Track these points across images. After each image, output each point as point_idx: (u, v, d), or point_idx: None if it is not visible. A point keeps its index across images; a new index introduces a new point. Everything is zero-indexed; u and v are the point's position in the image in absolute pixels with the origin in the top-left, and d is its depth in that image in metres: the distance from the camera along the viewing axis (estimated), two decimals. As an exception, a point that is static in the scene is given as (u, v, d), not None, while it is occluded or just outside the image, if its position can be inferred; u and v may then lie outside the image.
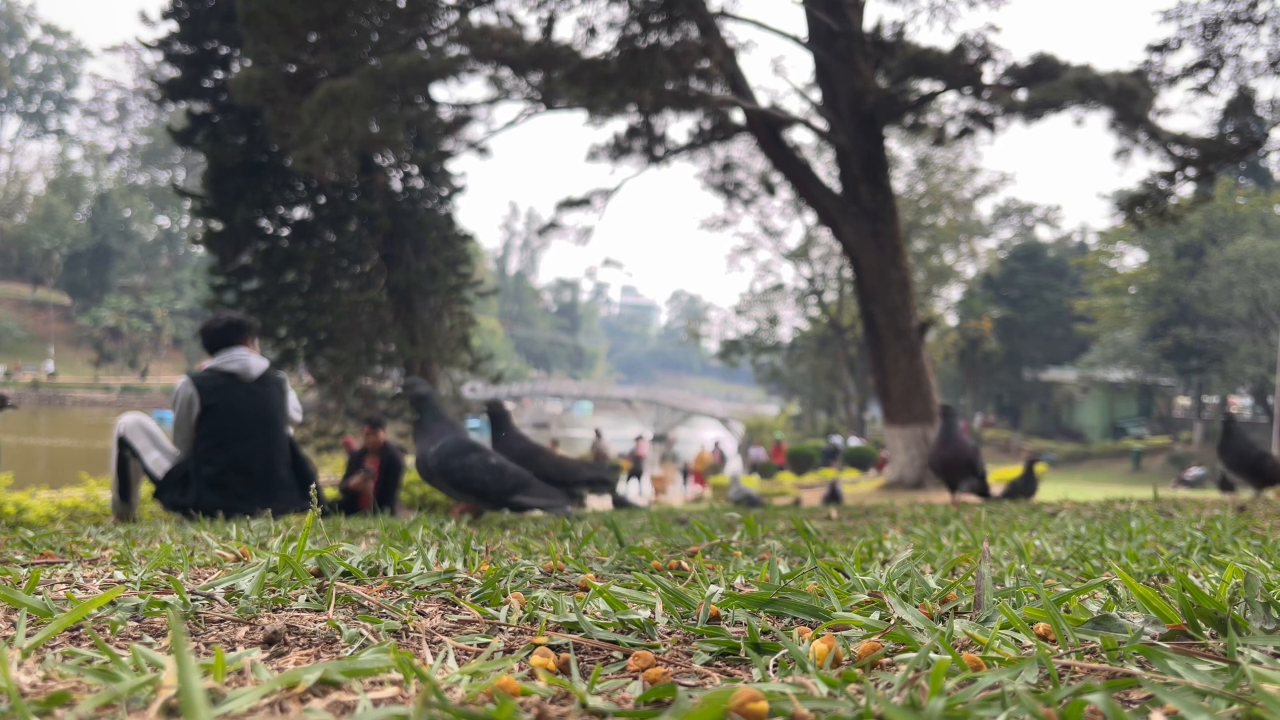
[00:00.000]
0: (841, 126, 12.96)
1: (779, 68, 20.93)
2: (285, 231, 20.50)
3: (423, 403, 3.23)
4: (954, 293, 40.65)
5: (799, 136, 17.68)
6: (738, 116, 14.02)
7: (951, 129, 14.17)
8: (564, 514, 3.00)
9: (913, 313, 12.91)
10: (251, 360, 4.24)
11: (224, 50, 20.05)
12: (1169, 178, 12.67)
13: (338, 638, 0.94)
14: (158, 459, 4.22)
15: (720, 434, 43.50)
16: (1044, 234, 47.78)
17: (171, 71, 21.05)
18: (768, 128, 13.42)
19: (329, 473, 11.12)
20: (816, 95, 14.25)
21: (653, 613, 1.06)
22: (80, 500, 6.49)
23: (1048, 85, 12.02)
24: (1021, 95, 12.56)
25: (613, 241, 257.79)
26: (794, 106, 17.74)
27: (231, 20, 16.83)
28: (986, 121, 13.46)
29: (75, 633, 0.93)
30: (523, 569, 1.41)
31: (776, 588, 1.17)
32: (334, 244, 20.22)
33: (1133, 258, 41.05)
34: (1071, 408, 44.51)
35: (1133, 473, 31.93)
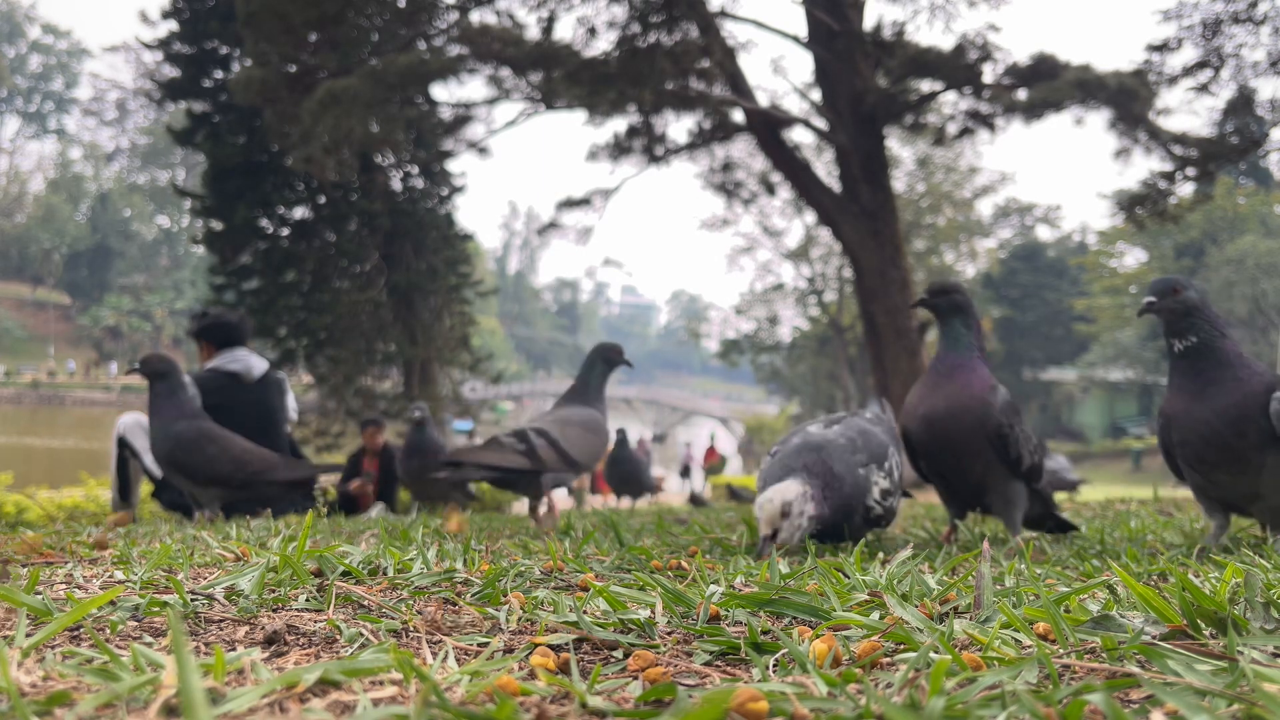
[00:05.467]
0: (841, 126, 12.95)
1: (779, 68, 20.84)
2: (285, 231, 20.51)
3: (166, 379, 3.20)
4: (954, 293, 40.54)
5: (799, 136, 17.63)
6: (738, 116, 14.00)
7: (951, 129, 14.16)
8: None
9: (913, 313, 12.90)
10: (253, 361, 4.24)
11: (224, 50, 20.05)
12: (1169, 177, 12.66)
13: (338, 637, 0.94)
14: (158, 459, 4.22)
15: (718, 431, 43.55)
16: (1044, 234, 47.71)
17: (171, 71, 21.06)
18: (768, 127, 13.41)
19: (329, 473, 11.10)
20: (816, 95, 14.23)
21: (653, 612, 1.06)
22: (80, 500, 6.47)
23: (1048, 85, 12.01)
24: (1021, 95, 12.55)
25: (613, 241, 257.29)
26: (794, 106, 17.69)
27: (231, 20, 16.82)
28: (986, 121, 13.45)
29: (75, 632, 0.93)
30: (523, 569, 1.41)
31: (776, 587, 1.17)
32: (334, 244, 20.23)
33: (1133, 258, 41.02)
34: (1071, 407, 44.48)
35: (1133, 472, 31.88)
